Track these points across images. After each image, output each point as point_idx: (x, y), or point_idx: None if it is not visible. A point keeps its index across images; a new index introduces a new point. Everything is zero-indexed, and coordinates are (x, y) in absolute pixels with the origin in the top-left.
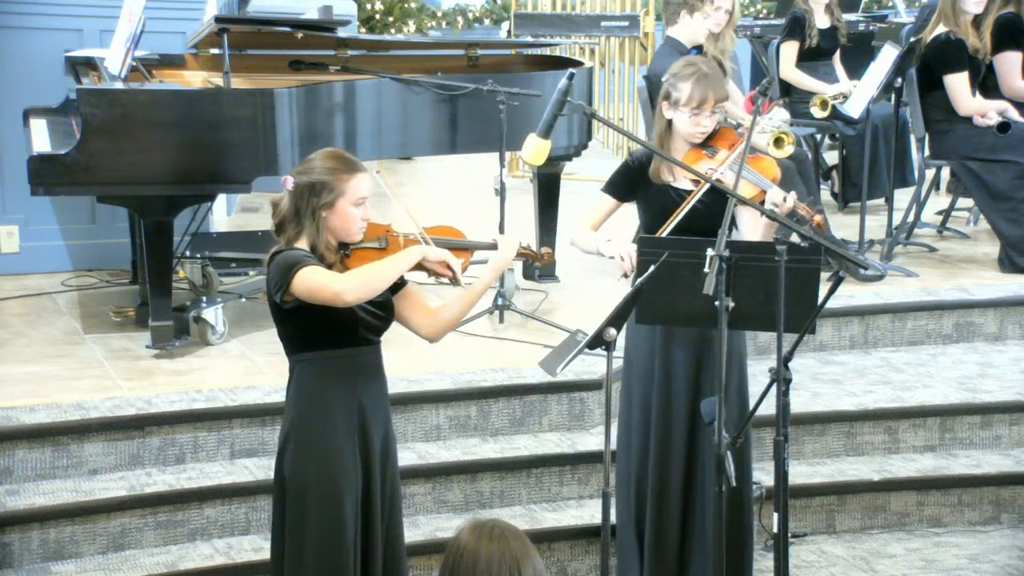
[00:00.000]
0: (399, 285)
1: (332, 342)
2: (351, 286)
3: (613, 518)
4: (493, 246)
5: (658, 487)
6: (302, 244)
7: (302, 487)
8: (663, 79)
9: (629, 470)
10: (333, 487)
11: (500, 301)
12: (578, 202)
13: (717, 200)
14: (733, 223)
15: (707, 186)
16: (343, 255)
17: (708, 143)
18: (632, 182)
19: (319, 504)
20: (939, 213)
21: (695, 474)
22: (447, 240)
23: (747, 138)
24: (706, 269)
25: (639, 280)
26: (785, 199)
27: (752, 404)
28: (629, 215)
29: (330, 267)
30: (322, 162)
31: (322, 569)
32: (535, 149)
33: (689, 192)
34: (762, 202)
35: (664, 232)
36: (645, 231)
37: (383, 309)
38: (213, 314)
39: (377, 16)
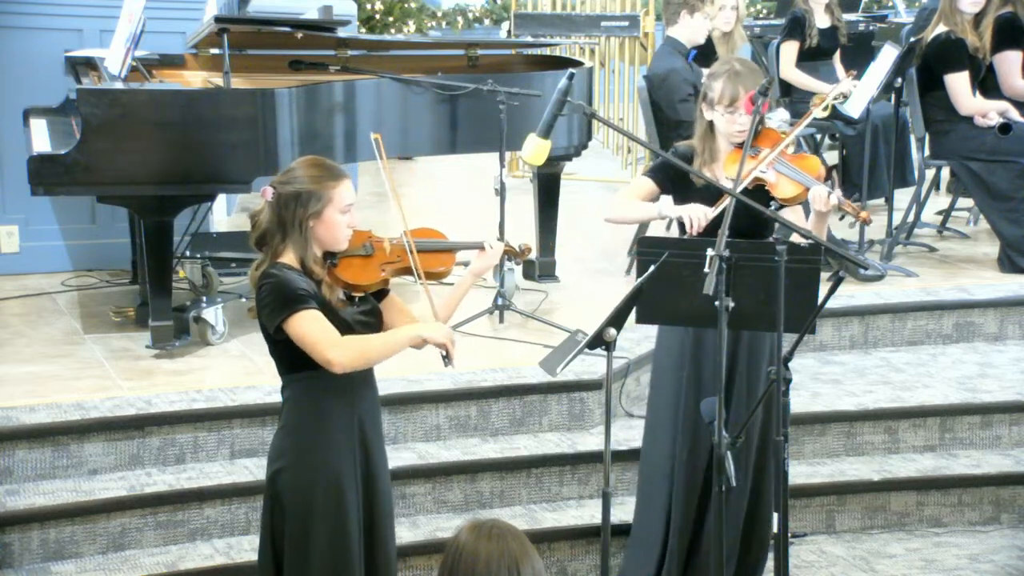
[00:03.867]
0: (384, 292)
1: None
2: (346, 361)
3: (614, 518)
4: (479, 246)
5: (684, 487)
6: (288, 258)
7: (307, 504)
8: (701, 81)
9: (650, 471)
10: (338, 505)
11: (500, 301)
12: (578, 202)
13: (757, 199)
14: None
15: (741, 189)
16: (331, 264)
17: (753, 143)
18: (672, 177)
19: (324, 521)
20: (939, 213)
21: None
22: (433, 242)
23: (748, 134)
24: (706, 269)
25: (639, 280)
26: (829, 195)
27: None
28: None
29: (319, 284)
30: (305, 170)
31: None
32: (535, 149)
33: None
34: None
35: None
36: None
37: (373, 316)
38: (213, 314)
39: (377, 16)
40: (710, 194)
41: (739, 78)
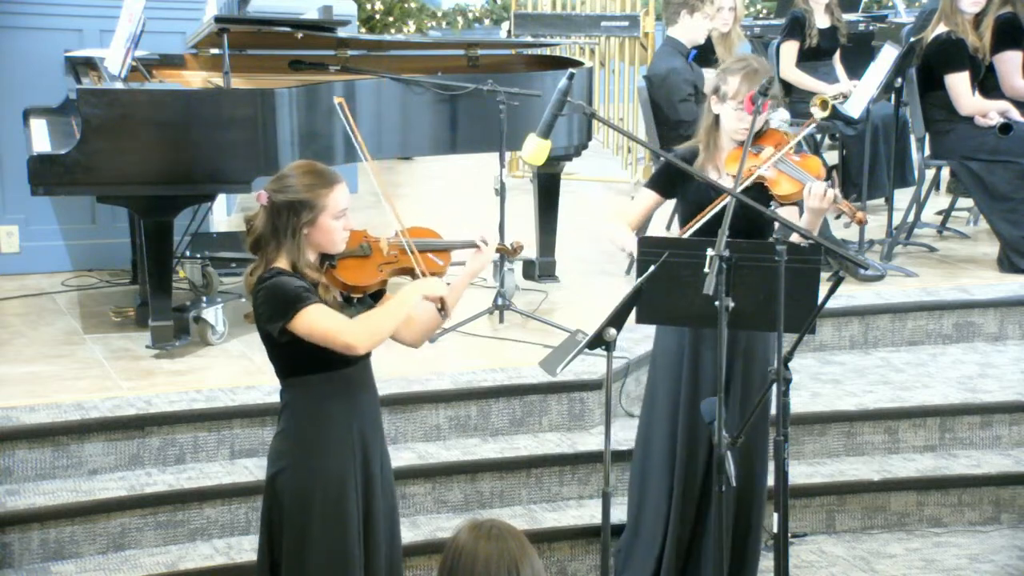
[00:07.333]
0: (381, 292)
1: (326, 364)
2: (364, 341)
3: (614, 518)
4: (473, 245)
5: (683, 486)
6: (282, 263)
7: (306, 506)
8: (714, 74)
9: (646, 470)
10: (338, 508)
11: (500, 301)
12: (578, 202)
13: (756, 199)
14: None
15: (741, 188)
16: (329, 266)
17: (755, 142)
18: (673, 177)
19: (324, 526)
20: (939, 213)
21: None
22: (428, 242)
23: (749, 135)
24: (706, 269)
25: (639, 280)
26: (826, 193)
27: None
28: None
29: (315, 285)
30: (299, 179)
31: None
32: (535, 149)
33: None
34: (800, 200)
35: (689, 232)
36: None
37: None
38: (213, 314)
39: (377, 16)
40: (709, 194)
41: (757, 76)
